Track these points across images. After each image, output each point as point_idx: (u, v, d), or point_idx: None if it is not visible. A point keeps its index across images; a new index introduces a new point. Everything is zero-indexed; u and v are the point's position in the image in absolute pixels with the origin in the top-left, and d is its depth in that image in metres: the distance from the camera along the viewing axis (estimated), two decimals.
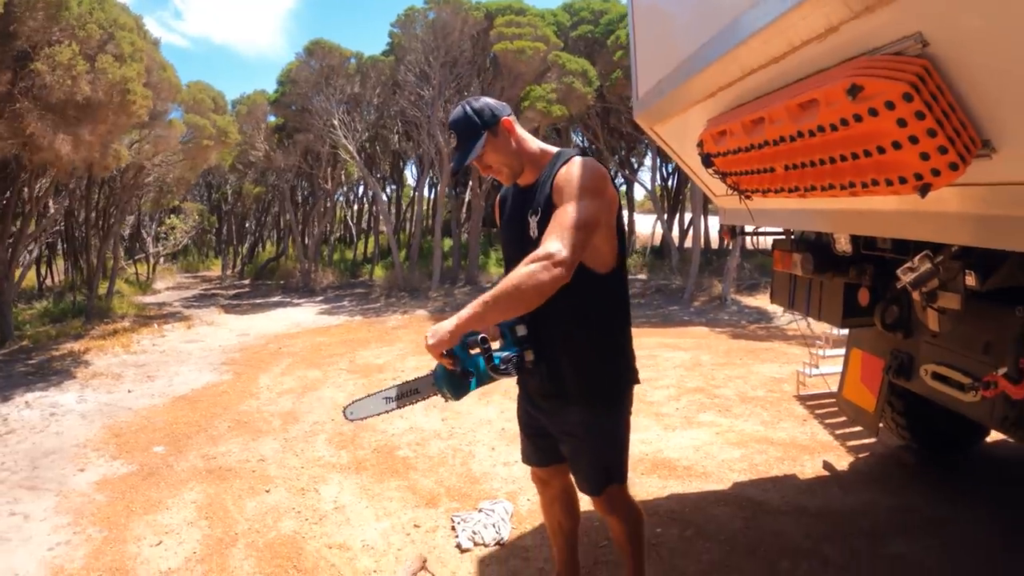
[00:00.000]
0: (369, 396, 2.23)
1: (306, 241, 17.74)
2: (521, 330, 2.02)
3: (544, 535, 3.25)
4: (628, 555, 2.30)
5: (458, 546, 3.24)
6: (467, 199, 17.18)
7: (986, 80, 1.25)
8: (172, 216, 18.34)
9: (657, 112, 2.92)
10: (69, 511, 3.86)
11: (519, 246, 2.00)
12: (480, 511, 3.51)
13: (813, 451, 4.24)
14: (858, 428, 4.37)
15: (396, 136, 17.44)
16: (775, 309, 10.58)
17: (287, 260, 18.66)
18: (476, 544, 3.24)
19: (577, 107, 13.49)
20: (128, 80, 6.96)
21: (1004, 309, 2.19)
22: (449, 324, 1.80)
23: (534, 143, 2.12)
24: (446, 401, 2.06)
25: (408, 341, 9.07)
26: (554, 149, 2.12)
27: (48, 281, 16.26)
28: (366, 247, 21.97)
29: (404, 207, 24.09)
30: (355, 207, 25.27)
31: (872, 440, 4.22)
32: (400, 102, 14.44)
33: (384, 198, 17.43)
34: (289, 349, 8.72)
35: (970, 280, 2.08)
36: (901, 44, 1.34)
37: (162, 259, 19.30)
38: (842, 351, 4.24)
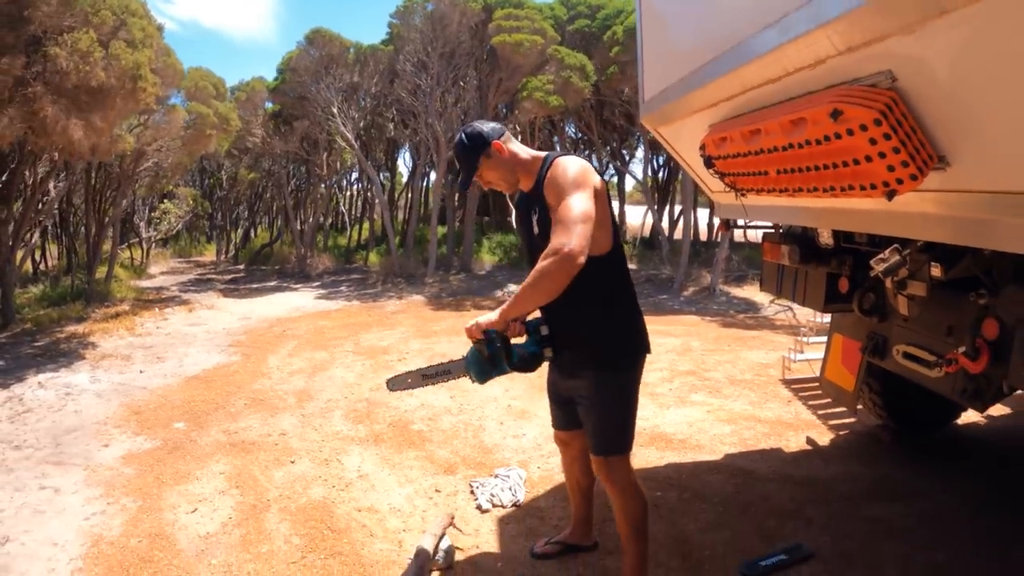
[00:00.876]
0: (408, 372, 2.60)
1: (303, 227, 17.86)
2: (544, 330, 2.41)
3: (556, 498, 3.59)
4: (626, 540, 2.48)
5: (478, 507, 3.53)
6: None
7: (942, 110, 1.58)
8: (166, 201, 18.38)
9: (662, 116, 3.27)
10: (100, 483, 4.04)
11: (527, 241, 2.50)
12: (496, 476, 3.79)
13: (797, 428, 4.59)
14: (839, 409, 4.76)
15: (392, 124, 17.57)
16: (762, 300, 10.92)
17: (282, 245, 18.76)
18: (495, 505, 3.54)
19: (573, 100, 13.70)
20: (140, 66, 7.12)
21: (963, 297, 2.47)
22: (495, 313, 2.24)
23: (525, 153, 2.46)
24: (472, 382, 2.43)
25: (409, 325, 9.31)
26: (543, 154, 2.44)
27: (43, 266, 16.34)
28: (360, 234, 22.10)
29: (397, 195, 24.26)
30: (347, 194, 25.38)
31: (851, 419, 4.61)
32: (398, 91, 14.59)
33: (379, 184, 17.55)
34: (293, 332, 8.94)
35: (935, 271, 2.44)
36: (875, 78, 1.67)
37: (154, 244, 19.35)
38: (824, 338, 4.59)
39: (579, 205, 2.13)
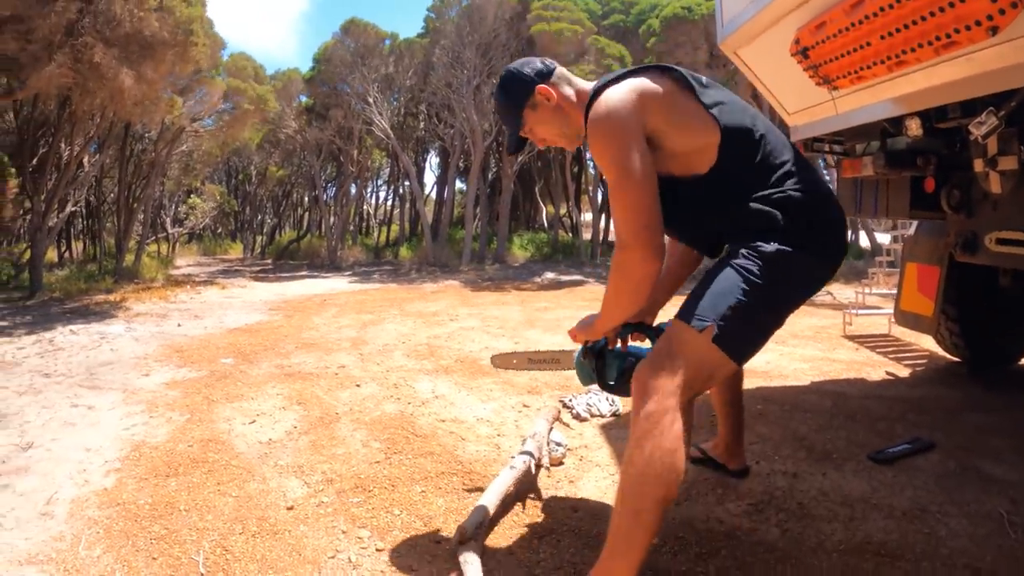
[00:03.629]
0: (515, 352, 2.46)
1: (334, 219, 17.63)
2: None
3: None
4: (615, 507, 1.58)
5: (576, 416, 3.16)
6: (493, 175, 17.13)
7: None
8: (193, 196, 18.26)
9: (744, 35, 3.20)
10: (140, 402, 3.60)
11: None
12: (589, 392, 3.39)
13: (874, 365, 4.44)
14: (911, 351, 4.85)
15: (422, 123, 17.46)
16: None
17: (311, 239, 18.54)
18: (592, 415, 3.17)
19: None
20: (193, 21, 6.91)
21: None
22: (593, 321, 1.91)
23: (581, 90, 1.88)
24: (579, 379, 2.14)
25: (453, 297, 8.97)
26: (591, 88, 1.85)
27: (67, 255, 16.21)
28: (388, 235, 21.90)
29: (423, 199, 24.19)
30: (374, 199, 25.33)
31: (924, 360, 4.55)
32: (433, 83, 14.47)
33: (414, 171, 17.31)
34: (333, 302, 8.60)
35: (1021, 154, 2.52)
36: None
37: (180, 240, 19.17)
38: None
39: (612, 176, 1.64)
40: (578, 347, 2.10)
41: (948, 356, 4.38)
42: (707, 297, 1.64)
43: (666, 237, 1.80)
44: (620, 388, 1.97)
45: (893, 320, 4.58)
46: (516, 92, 1.87)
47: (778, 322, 1.73)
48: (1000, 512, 2.15)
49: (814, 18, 2.48)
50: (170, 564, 1.90)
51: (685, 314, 1.64)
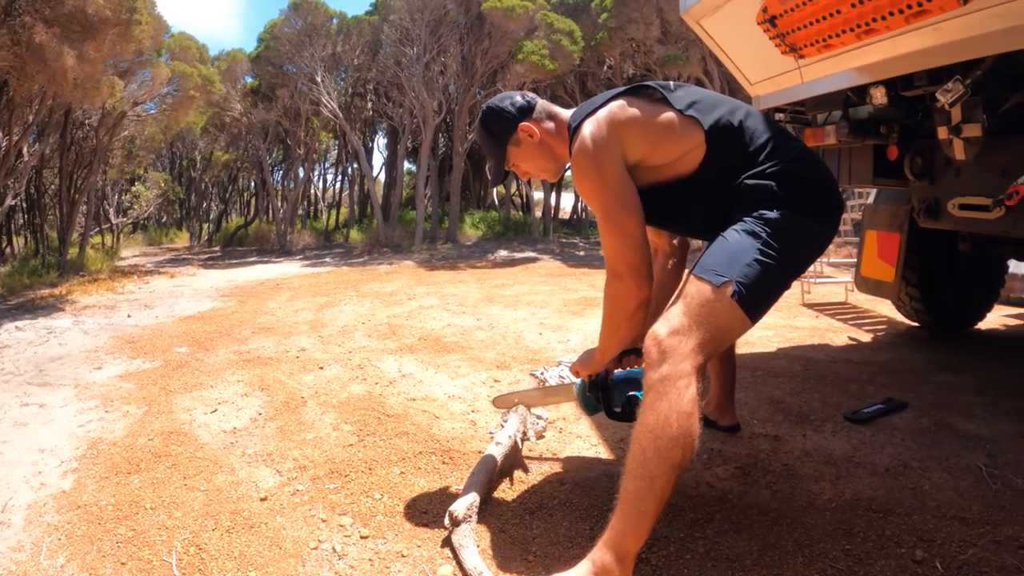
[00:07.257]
0: (515, 392, 2.50)
1: (283, 203, 17.21)
2: None
3: None
4: (627, 470, 1.49)
5: None
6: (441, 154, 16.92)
7: None
8: (137, 184, 17.61)
9: (707, 5, 3.20)
10: (94, 397, 3.43)
11: None
12: (560, 364, 3.35)
13: (836, 332, 4.55)
14: (869, 317, 4.98)
15: (370, 103, 17.12)
16: None
17: (260, 224, 18.07)
18: None
19: (564, 66, 13.40)
20: None
21: (1018, 136, 2.67)
22: (592, 355, 1.96)
23: (561, 125, 1.91)
24: (582, 411, 2.19)
25: (408, 277, 8.83)
26: (567, 118, 1.91)
27: (8, 250, 15.52)
28: (338, 218, 21.51)
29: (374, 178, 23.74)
30: (321, 182, 24.80)
31: (884, 326, 4.65)
32: (382, 61, 14.17)
33: (363, 151, 16.98)
34: (287, 285, 8.37)
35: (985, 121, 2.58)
36: None
37: (124, 231, 18.51)
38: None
39: (598, 209, 1.73)
40: (572, 378, 2.20)
41: (907, 321, 4.48)
42: (721, 255, 1.63)
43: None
44: (626, 415, 1.98)
45: (852, 287, 4.67)
46: (498, 129, 1.90)
47: (788, 283, 1.73)
48: (978, 466, 2.24)
49: None
50: (141, 568, 1.79)
51: (701, 270, 1.61)
